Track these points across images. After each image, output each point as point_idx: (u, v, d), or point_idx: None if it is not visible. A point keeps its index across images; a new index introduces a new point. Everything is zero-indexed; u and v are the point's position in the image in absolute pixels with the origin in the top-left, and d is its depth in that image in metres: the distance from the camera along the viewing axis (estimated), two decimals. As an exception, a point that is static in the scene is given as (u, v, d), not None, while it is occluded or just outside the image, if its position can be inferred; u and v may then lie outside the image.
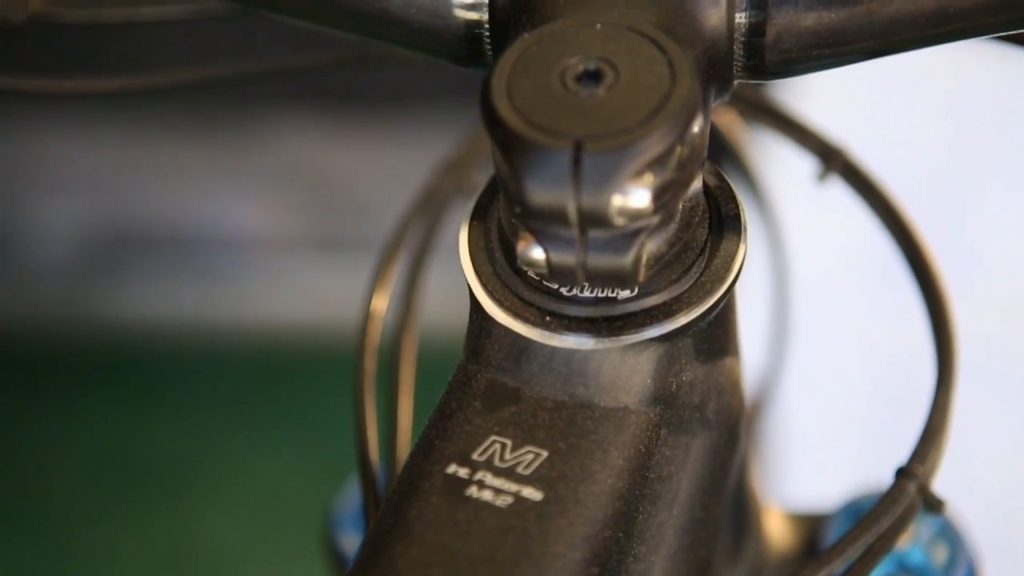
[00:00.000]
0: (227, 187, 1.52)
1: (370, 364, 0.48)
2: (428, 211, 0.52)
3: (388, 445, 0.47)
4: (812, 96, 1.21)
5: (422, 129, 1.41)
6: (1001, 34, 0.39)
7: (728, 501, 0.44)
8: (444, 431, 0.37)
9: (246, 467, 1.43)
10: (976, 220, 1.33)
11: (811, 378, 1.18)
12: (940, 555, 0.51)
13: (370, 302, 0.50)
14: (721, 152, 0.59)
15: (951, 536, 0.52)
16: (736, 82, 0.38)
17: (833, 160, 0.51)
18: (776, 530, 0.51)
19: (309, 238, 1.53)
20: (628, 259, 0.35)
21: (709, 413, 0.40)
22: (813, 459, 1.07)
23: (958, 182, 1.34)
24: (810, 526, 0.52)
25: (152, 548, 1.39)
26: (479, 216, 0.39)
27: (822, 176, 0.52)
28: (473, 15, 0.38)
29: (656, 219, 0.35)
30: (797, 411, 1.04)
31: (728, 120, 0.59)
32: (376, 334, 0.49)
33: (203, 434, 1.47)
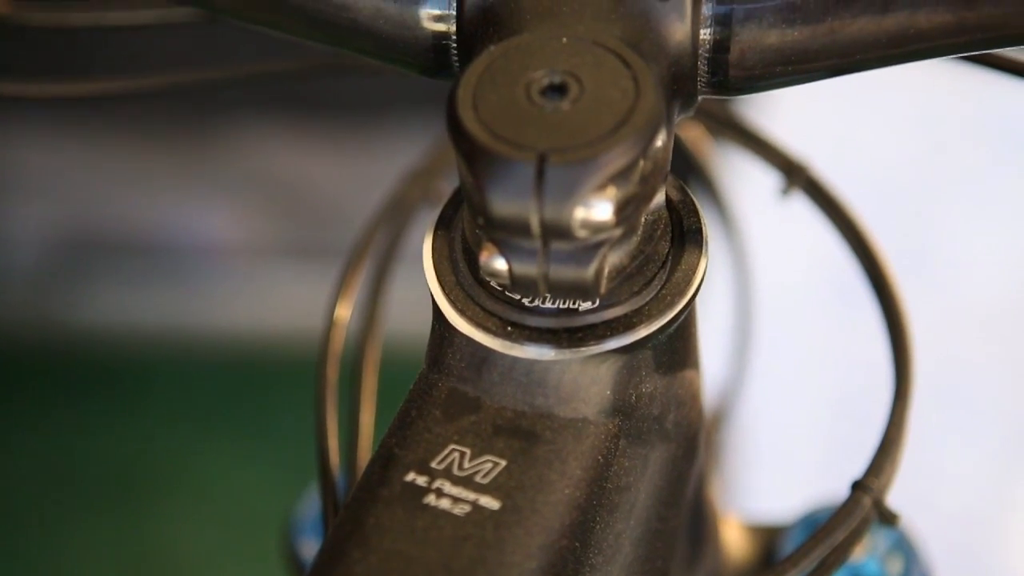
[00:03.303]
0: (196, 194, 1.52)
1: (332, 372, 0.48)
2: (394, 219, 0.53)
3: (349, 453, 0.47)
4: (780, 110, 1.22)
5: (391, 137, 1.42)
6: (961, 55, 0.39)
7: (685, 512, 0.44)
8: (404, 439, 0.37)
9: (215, 474, 1.42)
10: (944, 235, 1.34)
11: (774, 390, 1.19)
12: (895, 568, 0.52)
13: (333, 310, 0.50)
14: (687, 167, 0.59)
15: (906, 549, 0.52)
16: (700, 97, 0.39)
17: (796, 176, 0.52)
18: (734, 541, 0.52)
19: (278, 245, 1.53)
20: (590, 271, 0.36)
21: (668, 425, 0.40)
22: (775, 471, 1.08)
23: (927, 196, 1.36)
24: (768, 538, 0.52)
25: (120, 556, 1.38)
26: (443, 226, 0.40)
27: (785, 191, 0.52)
28: (441, 27, 0.38)
29: (618, 232, 0.36)
30: (759, 423, 1.05)
31: (695, 135, 0.60)
32: (339, 342, 0.49)
33: (171, 441, 1.46)
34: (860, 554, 0.52)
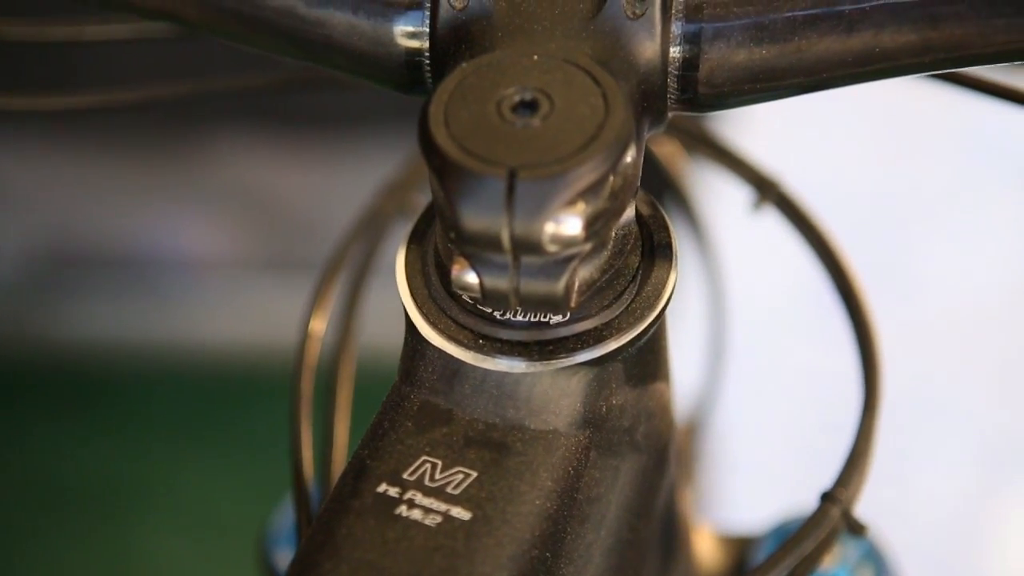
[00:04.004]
0: (174, 208, 1.52)
1: (307, 384, 0.49)
2: (369, 232, 0.53)
3: (324, 464, 0.48)
4: (755, 121, 1.23)
5: (369, 150, 1.42)
6: (927, 74, 0.40)
7: (657, 523, 0.44)
8: (376, 451, 0.38)
9: (194, 486, 1.42)
10: (920, 246, 1.35)
11: (751, 401, 1.20)
12: (863, 580, 0.52)
13: (308, 323, 0.50)
14: (662, 182, 0.60)
15: (876, 559, 0.53)
16: (671, 114, 0.39)
17: (767, 191, 0.52)
18: (706, 551, 0.52)
19: (256, 258, 1.53)
20: (560, 285, 0.36)
21: (639, 436, 0.41)
22: (753, 480, 1.09)
23: (903, 207, 1.37)
24: (739, 548, 0.53)
25: (93, 566, 1.38)
26: (416, 240, 0.40)
27: (756, 206, 0.53)
28: (414, 43, 0.39)
29: (588, 246, 0.36)
30: (736, 433, 1.06)
31: (670, 151, 0.61)
32: (314, 355, 0.50)
33: (148, 453, 1.46)
34: (830, 564, 0.53)
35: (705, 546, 0.52)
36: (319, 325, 0.50)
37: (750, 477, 1.06)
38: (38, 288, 1.52)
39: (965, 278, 1.34)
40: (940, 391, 1.28)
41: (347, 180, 1.36)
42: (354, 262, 0.52)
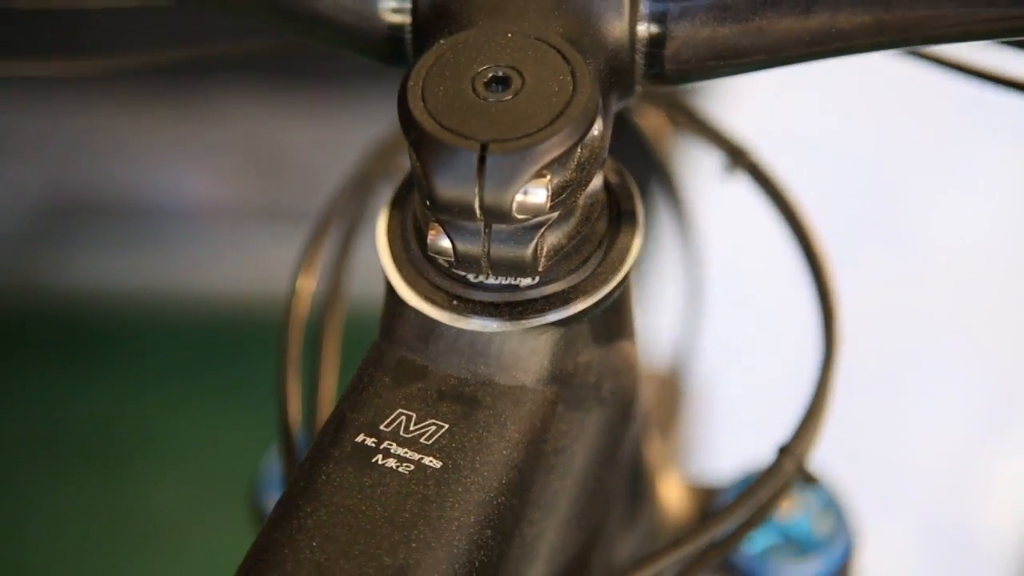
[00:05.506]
0: (177, 158, 1.53)
1: (295, 338, 0.51)
2: (357, 193, 0.55)
3: (311, 414, 0.50)
4: (757, 82, 1.24)
5: (370, 103, 1.43)
6: (884, 51, 0.42)
7: (622, 473, 0.47)
8: (355, 404, 0.40)
9: (194, 435, 1.44)
10: (915, 199, 1.36)
11: (734, 355, 1.22)
12: (823, 528, 0.55)
13: (296, 280, 0.53)
14: (646, 152, 0.62)
15: (836, 509, 0.56)
16: (639, 88, 0.42)
17: (739, 159, 0.55)
18: (673, 500, 0.55)
19: (259, 209, 1.55)
20: (528, 250, 0.39)
21: (605, 392, 0.43)
22: (733, 434, 1.11)
23: (903, 172, 1.38)
24: (704, 497, 0.55)
25: (99, 515, 1.40)
26: (398, 205, 0.43)
27: (729, 172, 0.55)
28: (397, 19, 0.41)
29: (555, 215, 0.38)
30: (718, 385, 1.08)
31: (657, 123, 0.63)
32: (303, 310, 0.52)
33: (152, 402, 1.48)
34: (794, 512, 0.56)
35: (672, 495, 0.55)
36: (307, 282, 0.53)
37: (732, 429, 1.09)
38: (39, 237, 1.54)
39: (957, 229, 1.36)
40: (931, 341, 1.30)
41: (347, 132, 1.38)
42: (343, 220, 0.55)
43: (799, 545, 0.55)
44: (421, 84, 0.38)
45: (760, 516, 0.46)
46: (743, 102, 1.26)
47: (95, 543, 1.39)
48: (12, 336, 1.52)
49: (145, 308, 1.53)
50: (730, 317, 1.17)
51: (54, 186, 1.53)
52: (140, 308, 1.53)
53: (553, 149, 0.37)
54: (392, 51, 0.42)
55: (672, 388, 0.71)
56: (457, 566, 0.38)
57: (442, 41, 0.39)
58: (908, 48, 0.42)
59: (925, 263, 1.34)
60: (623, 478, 0.48)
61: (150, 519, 1.39)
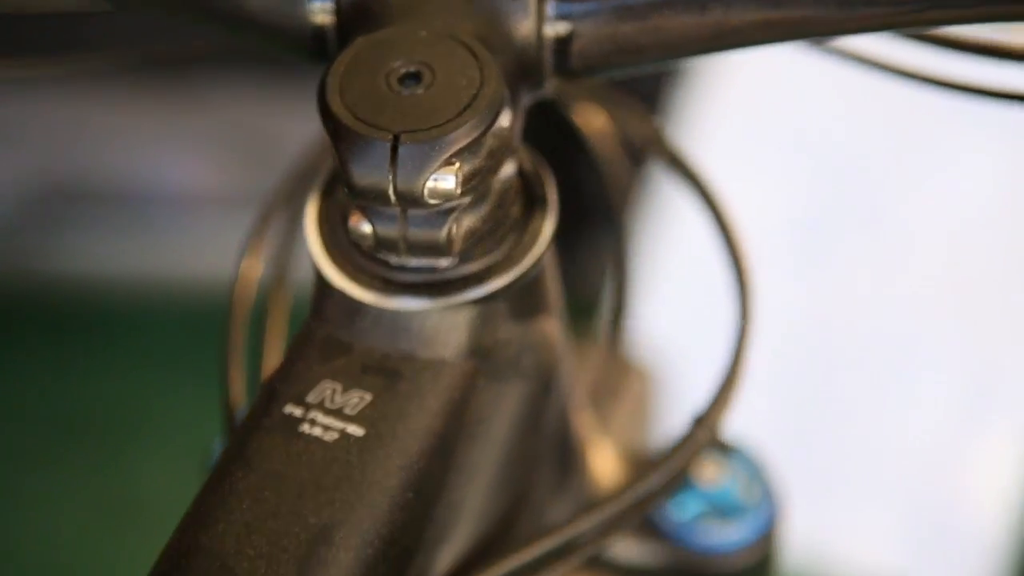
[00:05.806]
0: (166, 145, 1.55)
1: (239, 320, 0.54)
2: (304, 180, 0.58)
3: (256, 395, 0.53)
4: (756, 65, 1.26)
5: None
6: (782, 44, 0.45)
7: (546, 441, 0.50)
8: (285, 377, 0.43)
9: (184, 418, 1.46)
10: (900, 185, 1.38)
11: (722, 337, 1.24)
12: (750, 495, 0.58)
13: (241, 264, 0.56)
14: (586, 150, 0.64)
15: (762, 479, 0.59)
16: (547, 82, 0.44)
17: (654, 145, 0.57)
18: (606, 468, 0.58)
19: (247, 195, 1.56)
20: (443, 233, 0.42)
21: (524, 366, 0.46)
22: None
23: (888, 158, 1.40)
24: (635, 465, 0.58)
25: (94, 498, 1.42)
26: (327, 193, 0.46)
27: (641, 157, 0.58)
28: (320, 19, 0.44)
29: (466, 200, 0.41)
30: (678, 367, 1.11)
31: (598, 124, 0.65)
32: (248, 294, 0.55)
33: (144, 386, 1.50)
34: (720, 482, 0.59)
35: (604, 463, 0.58)
36: (252, 266, 0.56)
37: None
38: (30, 223, 1.55)
39: (943, 213, 1.37)
40: (914, 325, 1.32)
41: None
42: (289, 207, 0.57)
43: (726, 511, 0.58)
44: (339, 79, 0.41)
45: (676, 482, 0.49)
46: (730, 100, 1.28)
47: (85, 525, 1.41)
48: (1, 321, 1.54)
49: (135, 294, 1.55)
50: (695, 300, 1.20)
51: (44, 173, 1.55)
52: (130, 294, 1.55)
53: (461, 139, 0.40)
54: (316, 49, 0.44)
55: (618, 364, 0.73)
56: (379, 525, 0.41)
57: (359, 39, 0.42)
58: (806, 42, 0.45)
59: (907, 248, 1.36)
60: (548, 446, 0.51)
61: (140, 501, 1.42)
